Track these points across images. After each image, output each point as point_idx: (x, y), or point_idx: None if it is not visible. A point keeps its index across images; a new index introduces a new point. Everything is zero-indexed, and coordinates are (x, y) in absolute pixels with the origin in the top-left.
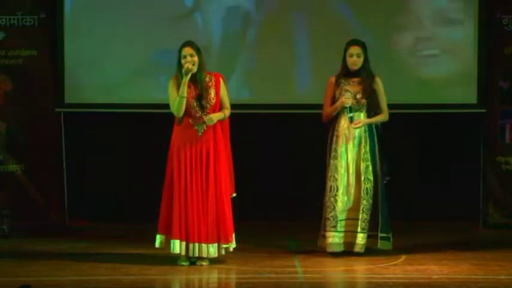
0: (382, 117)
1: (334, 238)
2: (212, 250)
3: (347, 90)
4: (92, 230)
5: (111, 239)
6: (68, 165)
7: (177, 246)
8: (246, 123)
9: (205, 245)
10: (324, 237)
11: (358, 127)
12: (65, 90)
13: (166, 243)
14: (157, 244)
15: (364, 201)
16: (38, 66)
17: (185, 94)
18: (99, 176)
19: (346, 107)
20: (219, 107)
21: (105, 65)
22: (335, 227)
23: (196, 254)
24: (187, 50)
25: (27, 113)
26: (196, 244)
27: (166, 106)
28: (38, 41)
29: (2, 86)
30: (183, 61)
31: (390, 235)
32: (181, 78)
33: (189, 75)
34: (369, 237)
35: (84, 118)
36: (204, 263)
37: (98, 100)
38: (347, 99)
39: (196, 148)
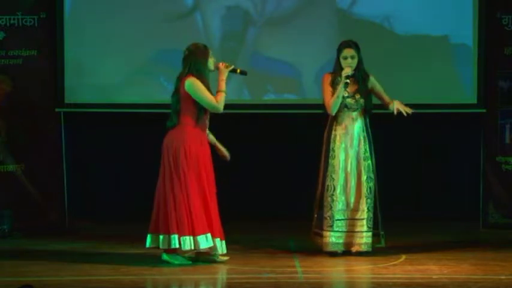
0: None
1: (331, 238)
2: (225, 245)
3: (346, 77)
4: (92, 230)
5: (111, 239)
6: (68, 165)
7: (203, 241)
8: (245, 123)
9: (224, 240)
10: (318, 235)
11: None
12: (65, 90)
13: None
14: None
15: (369, 200)
16: (38, 66)
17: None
18: (99, 176)
19: (347, 81)
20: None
21: (105, 65)
22: (331, 226)
23: (225, 251)
24: (210, 51)
25: (27, 113)
26: (219, 239)
27: (167, 106)
28: (38, 41)
29: (2, 86)
30: (210, 60)
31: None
32: (207, 73)
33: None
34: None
35: (84, 118)
36: (225, 258)
37: (97, 100)
38: (346, 69)
39: (207, 146)
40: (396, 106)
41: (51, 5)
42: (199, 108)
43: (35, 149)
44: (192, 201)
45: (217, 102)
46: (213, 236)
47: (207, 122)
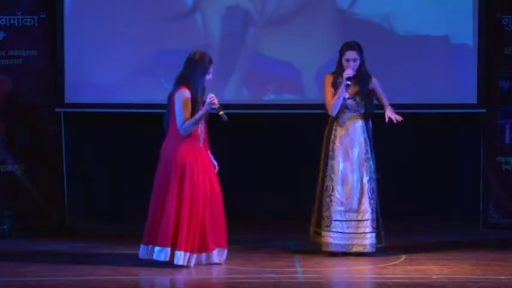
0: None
1: (329, 238)
2: (222, 255)
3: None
4: (92, 230)
5: (111, 239)
6: (68, 165)
7: (187, 259)
8: (245, 123)
9: (217, 250)
10: (319, 234)
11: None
12: (65, 90)
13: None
14: (167, 257)
15: (372, 201)
16: (38, 66)
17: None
18: (99, 176)
19: (349, 82)
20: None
21: (105, 65)
22: (329, 226)
23: (205, 262)
24: (212, 68)
25: (27, 113)
26: (209, 253)
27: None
28: (38, 41)
29: (2, 86)
30: (208, 77)
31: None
32: (199, 86)
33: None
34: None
35: (84, 118)
36: (218, 261)
37: (97, 100)
38: (348, 70)
39: (202, 157)
40: (388, 114)
41: (51, 5)
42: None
43: (35, 149)
44: (165, 212)
45: (182, 124)
46: (177, 249)
47: (200, 131)
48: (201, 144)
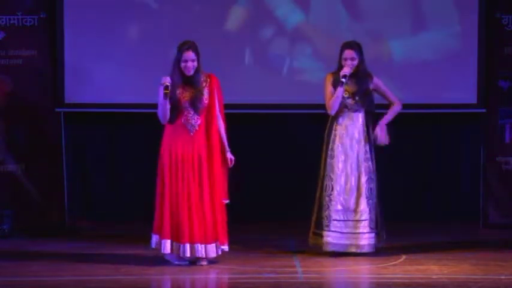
0: (397, 107)
1: (328, 238)
2: (209, 250)
3: (344, 77)
4: (92, 230)
5: (111, 239)
6: (68, 165)
7: (167, 247)
8: (245, 123)
9: (200, 245)
10: (319, 235)
11: (383, 141)
12: (65, 90)
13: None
14: (153, 244)
15: (371, 201)
16: (38, 66)
17: (168, 106)
18: (99, 176)
19: (344, 80)
20: (213, 110)
21: (105, 65)
22: (328, 226)
23: (188, 255)
24: (189, 55)
25: (27, 113)
26: (188, 245)
27: None
28: (38, 41)
29: (2, 86)
30: (182, 64)
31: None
32: (173, 78)
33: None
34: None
35: (84, 118)
36: (204, 263)
37: (97, 100)
38: (345, 69)
39: (188, 147)
40: (377, 131)
41: (51, 5)
42: (171, 108)
43: (35, 149)
44: (156, 201)
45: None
46: (162, 238)
47: (188, 121)
48: (190, 134)
